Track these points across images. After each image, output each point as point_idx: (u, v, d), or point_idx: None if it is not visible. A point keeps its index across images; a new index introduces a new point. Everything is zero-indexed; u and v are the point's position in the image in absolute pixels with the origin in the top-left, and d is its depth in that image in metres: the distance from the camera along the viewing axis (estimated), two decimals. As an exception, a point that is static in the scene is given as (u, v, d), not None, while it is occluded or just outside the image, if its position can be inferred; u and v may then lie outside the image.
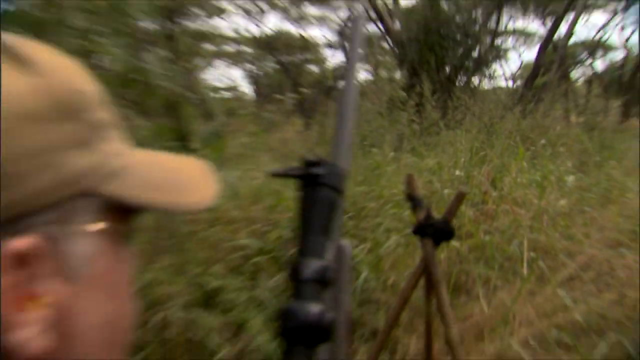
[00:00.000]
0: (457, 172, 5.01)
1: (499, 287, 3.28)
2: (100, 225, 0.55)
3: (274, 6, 24.22)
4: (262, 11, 23.94)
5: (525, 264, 3.41)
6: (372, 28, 24.84)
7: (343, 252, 0.78)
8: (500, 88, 21.26)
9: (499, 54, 21.55)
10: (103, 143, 0.56)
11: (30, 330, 0.48)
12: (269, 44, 25.11)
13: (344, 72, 0.90)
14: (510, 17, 21.37)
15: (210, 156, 2.62)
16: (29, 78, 0.51)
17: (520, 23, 23.02)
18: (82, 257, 0.53)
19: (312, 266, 0.70)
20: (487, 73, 20.66)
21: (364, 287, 3.72)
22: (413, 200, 1.61)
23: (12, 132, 0.47)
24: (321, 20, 26.39)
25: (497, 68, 21.94)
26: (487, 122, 7.94)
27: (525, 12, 21.70)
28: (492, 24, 18.17)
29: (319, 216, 0.73)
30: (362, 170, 5.62)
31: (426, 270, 1.45)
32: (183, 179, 0.64)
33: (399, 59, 16.11)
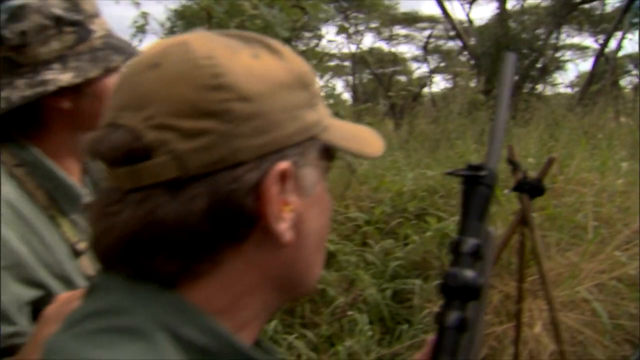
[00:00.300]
0: (529, 160, 5.01)
1: (568, 249, 3.33)
2: (320, 161, 0.65)
3: (369, 28, 24.26)
4: (360, 32, 23.98)
5: (589, 231, 3.43)
6: (452, 44, 24.60)
7: (489, 235, 0.83)
8: (560, 94, 20.67)
9: (559, 65, 20.97)
10: (319, 106, 0.65)
11: (285, 224, 0.59)
12: (364, 59, 25.15)
13: (498, 95, 0.94)
14: (568, 34, 20.80)
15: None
16: (281, 62, 0.61)
17: (576, 39, 22.23)
18: (311, 181, 0.63)
19: (469, 243, 0.76)
20: (549, 81, 20.19)
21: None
22: (513, 164, 1.70)
23: (277, 95, 0.59)
24: (408, 38, 26.26)
25: (557, 77, 21.27)
26: (552, 121, 7.83)
27: (580, 29, 21.05)
28: (552, 39, 17.78)
29: (477, 207, 0.80)
30: (450, 157, 5.68)
31: (523, 220, 1.54)
32: (364, 136, 0.73)
33: (475, 70, 15.95)
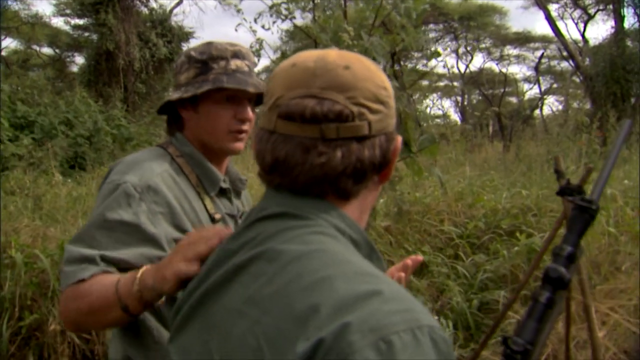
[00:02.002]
0: (626, 182, 5.06)
1: None
2: (396, 141, 0.94)
3: (480, 48, 24.04)
4: (470, 52, 23.85)
5: None
6: (565, 65, 23.97)
7: (582, 249, 1.09)
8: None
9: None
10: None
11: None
12: (474, 79, 24.96)
13: (610, 151, 1.22)
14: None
15: (426, 156, 3.03)
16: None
17: None
18: (394, 149, 0.93)
19: (568, 249, 1.05)
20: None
21: (540, 265, 3.92)
22: (558, 173, 1.95)
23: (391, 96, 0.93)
24: (520, 59, 25.85)
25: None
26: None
27: None
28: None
29: (579, 227, 1.08)
30: (547, 178, 5.80)
31: (566, 218, 1.78)
32: None
33: (588, 91, 15.57)
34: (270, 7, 3.46)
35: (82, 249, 1.34)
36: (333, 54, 0.90)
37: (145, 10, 17.73)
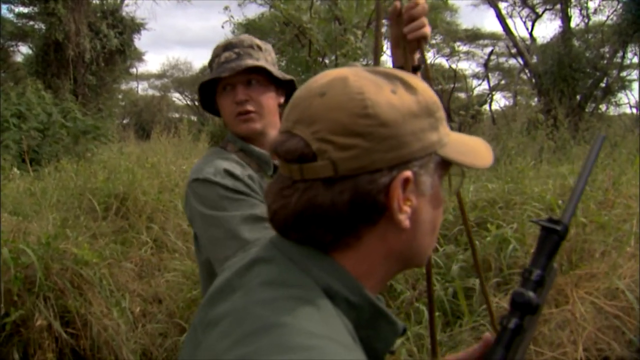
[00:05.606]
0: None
1: (613, 252, 3.70)
2: (437, 169, 0.81)
3: (430, 45, 24.43)
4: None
5: (632, 238, 3.79)
6: (513, 62, 24.59)
7: (553, 271, 1.03)
8: (625, 114, 20.41)
9: (624, 84, 20.74)
10: (441, 128, 0.80)
11: (404, 215, 0.77)
12: (423, 75, 25.22)
13: (582, 167, 1.10)
14: (635, 53, 20.55)
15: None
16: (413, 96, 0.77)
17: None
18: (427, 185, 0.79)
19: (536, 273, 0.97)
20: (613, 101, 20.02)
21: (511, 255, 4.17)
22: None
23: (407, 122, 0.75)
24: (469, 55, 26.35)
25: (622, 97, 21.05)
26: (612, 141, 8.06)
27: (649, 48, 20.57)
28: (618, 58, 17.68)
29: (548, 249, 1.01)
30: (510, 172, 6.06)
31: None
32: (478, 149, 0.88)
33: (536, 88, 16.09)
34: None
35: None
36: (325, 78, 0.80)
37: (95, 0, 17.47)
